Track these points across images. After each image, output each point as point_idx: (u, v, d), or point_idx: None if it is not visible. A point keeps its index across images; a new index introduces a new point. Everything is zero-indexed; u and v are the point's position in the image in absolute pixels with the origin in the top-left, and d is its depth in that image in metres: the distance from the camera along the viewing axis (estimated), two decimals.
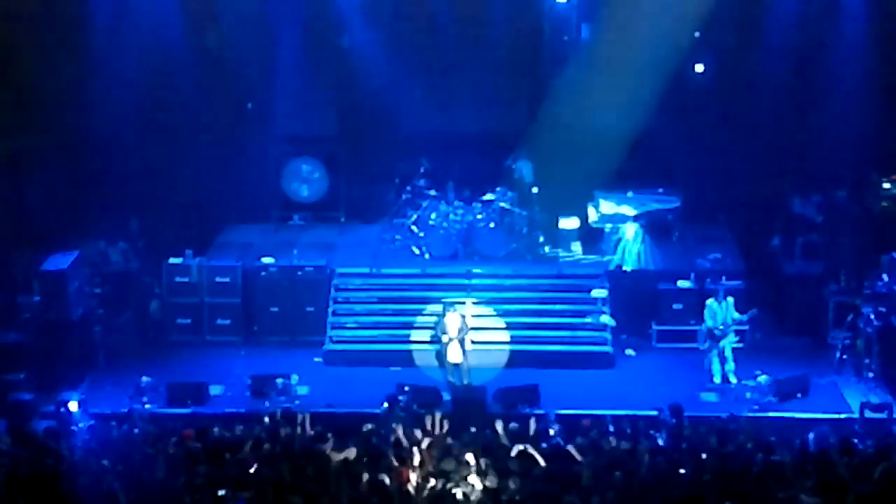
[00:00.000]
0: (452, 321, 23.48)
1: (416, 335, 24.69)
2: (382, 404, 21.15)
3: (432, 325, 23.82)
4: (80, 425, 20.83)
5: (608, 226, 27.07)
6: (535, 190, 27.12)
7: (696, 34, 27.51)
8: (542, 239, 27.30)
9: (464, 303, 24.28)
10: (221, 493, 16.27)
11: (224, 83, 27.98)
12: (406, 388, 21.96)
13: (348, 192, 28.77)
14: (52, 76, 26.87)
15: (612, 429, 19.47)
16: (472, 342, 23.59)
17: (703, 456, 17.75)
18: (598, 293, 25.43)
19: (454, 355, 23.34)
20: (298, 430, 19.15)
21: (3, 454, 17.95)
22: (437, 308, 24.11)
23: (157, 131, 28.11)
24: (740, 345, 23.93)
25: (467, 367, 23.37)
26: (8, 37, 26.40)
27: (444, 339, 23.37)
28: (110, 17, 27.21)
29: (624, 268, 26.32)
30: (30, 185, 27.11)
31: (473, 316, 24.24)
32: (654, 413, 20.87)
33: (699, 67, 27.85)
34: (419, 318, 24.84)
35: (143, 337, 25.67)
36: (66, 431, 20.12)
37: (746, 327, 24.36)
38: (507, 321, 24.90)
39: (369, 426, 19.03)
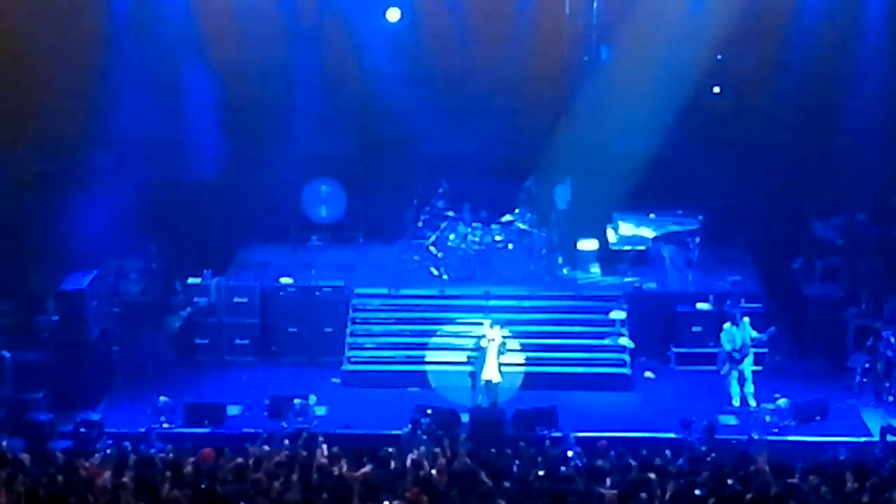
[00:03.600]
0: (494, 337, 23.29)
1: (435, 356, 24.65)
2: (406, 427, 21.13)
3: (474, 345, 23.60)
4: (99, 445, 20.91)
5: (640, 247, 27.06)
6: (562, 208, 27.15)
7: (719, 57, 27.49)
8: (560, 260, 27.26)
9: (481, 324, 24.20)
10: None
11: (244, 103, 27.99)
12: (429, 412, 21.90)
13: (367, 212, 28.74)
14: (70, 96, 26.99)
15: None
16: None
17: (729, 482, 17.66)
18: (617, 315, 25.36)
19: (491, 373, 23.12)
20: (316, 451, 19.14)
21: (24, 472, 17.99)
22: (455, 328, 24.02)
23: (176, 150, 28.15)
24: (759, 367, 23.84)
25: (497, 387, 23.18)
26: (33, 65, 26.55)
27: (484, 344, 23.15)
28: (131, 39, 27.36)
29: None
30: (50, 206, 27.16)
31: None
32: (675, 434, 20.91)
33: (716, 89, 27.81)
34: (435, 339, 24.84)
35: (161, 357, 25.68)
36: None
37: (766, 349, 24.29)
38: (526, 343, 24.79)
39: (390, 449, 18.98)
